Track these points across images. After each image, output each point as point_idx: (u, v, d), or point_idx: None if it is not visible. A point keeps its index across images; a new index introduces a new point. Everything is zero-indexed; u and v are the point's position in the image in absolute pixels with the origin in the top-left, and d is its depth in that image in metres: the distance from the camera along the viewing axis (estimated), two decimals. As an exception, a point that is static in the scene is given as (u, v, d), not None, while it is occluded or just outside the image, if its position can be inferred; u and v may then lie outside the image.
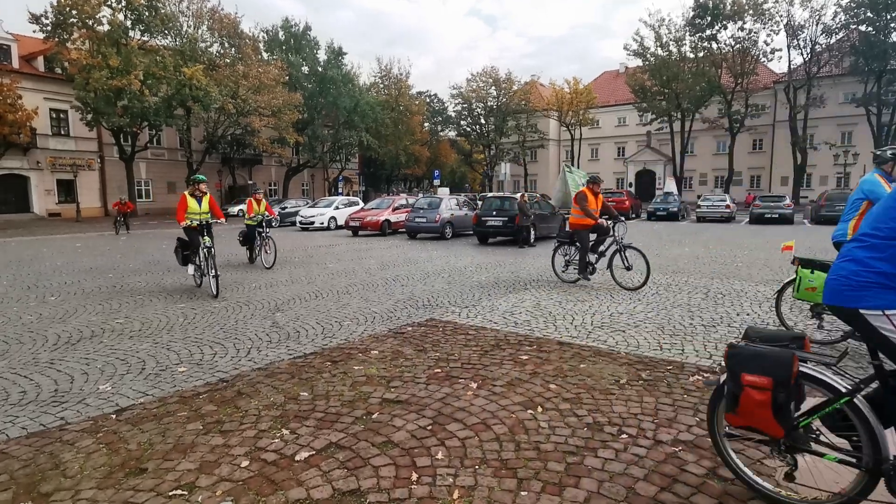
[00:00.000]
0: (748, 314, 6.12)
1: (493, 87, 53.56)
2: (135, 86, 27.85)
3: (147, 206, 36.62)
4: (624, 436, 3.04)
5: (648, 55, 44.81)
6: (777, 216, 22.96)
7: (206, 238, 7.84)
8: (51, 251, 14.33)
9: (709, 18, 41.54)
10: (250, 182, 42.55)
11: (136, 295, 7.79)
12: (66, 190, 33.59)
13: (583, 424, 3.20)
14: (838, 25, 39.13)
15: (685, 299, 7.00)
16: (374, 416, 3.36)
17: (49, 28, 28.28)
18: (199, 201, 8.08)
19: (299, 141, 39.03)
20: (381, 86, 53.41)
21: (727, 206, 25.30)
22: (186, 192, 8.21)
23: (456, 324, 5.83)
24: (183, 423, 3.32)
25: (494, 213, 15.16)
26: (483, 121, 55.77)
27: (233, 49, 35.47)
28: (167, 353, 4.84)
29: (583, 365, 4.30)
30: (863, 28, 38.20)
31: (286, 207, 26.36)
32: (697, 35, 42.78)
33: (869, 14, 37.15)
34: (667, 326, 5.58)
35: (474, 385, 3.87)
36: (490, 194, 20.78)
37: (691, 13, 42.13)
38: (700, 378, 3.97)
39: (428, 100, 62.87)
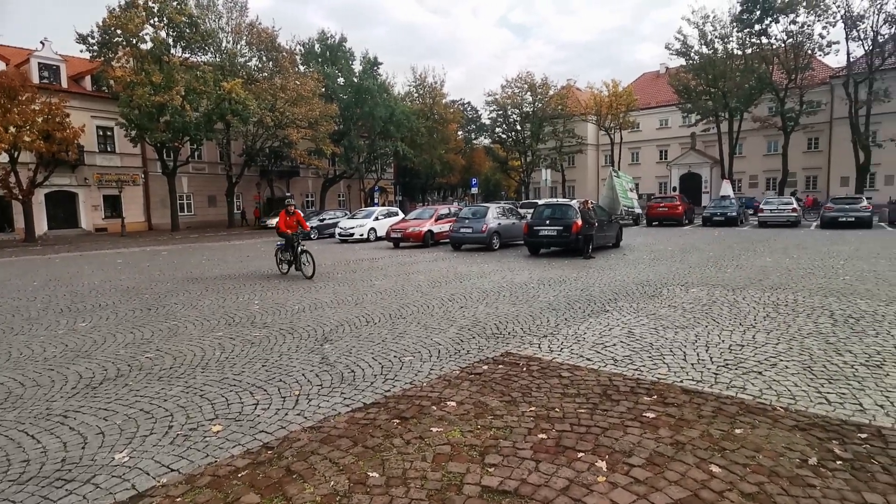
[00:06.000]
0: (909, 347, 4.87)
1: (529, 93, 52.39)
2: (176, 101, 28.11)
3: (188, 220, 37.03)
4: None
5: (692, 54, 42.79)
6: (853, 219, 20.88)
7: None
8: (92, 268, 14.05)
9: (758, 12, 39.27)
10: (288, 194, 42.75)
11: (170, 320, 7.09)
12: (112, 205, 34.28)
13: (803, 551, 2.13)
14: (903, 13, 36.29)
15: (811, 325, 5.76)
16: (477, 521, 2.38)
17: (95, 48, 28.96)
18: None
19: (336, 152, 38.86)
20: (416, 95, 53.04)
21: (793, 210, 23.30)
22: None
23: (541, 360, 4.80)
24: (216, 525, 2.42)
25: (547, 221, 14.04)
26: (519, 127, 54.59)
27: (270, 62, 35.63)
28: (200, 403, 4.00)
29: (738, 430, 3.21)
30: (932, 14, 35.25)
31: (325, 219, 25.85)
32: (746, 30, 40.52)
33: (939, -1, 34.26)
34: (814, 366, 4.40)
35: (602, 464, 2.84)
36: (541, 202, 19.62)
37: (738, 8, 39.93)
38: (918, 455, 2.83)
39: (462, 108, 62.21)
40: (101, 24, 28.27)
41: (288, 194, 42.63)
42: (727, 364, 4.53)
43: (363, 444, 3.19)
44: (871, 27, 36.93)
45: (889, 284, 8.19)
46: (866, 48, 37.51)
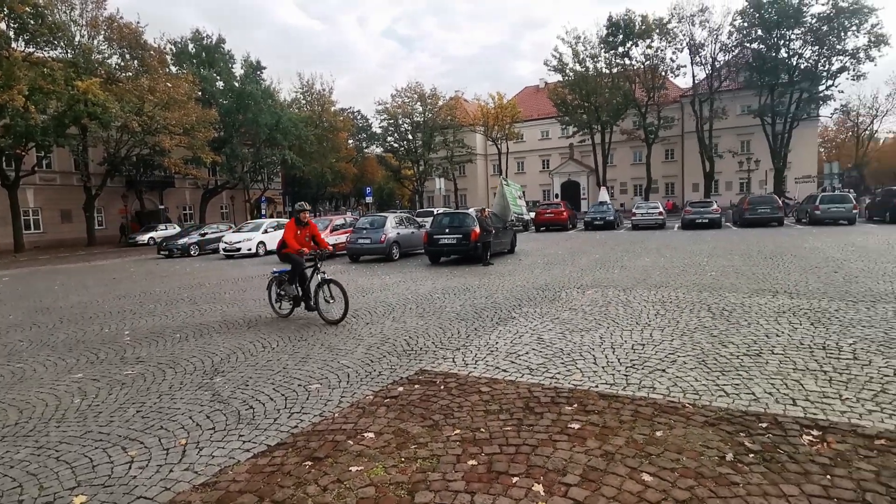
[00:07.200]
0: (777, 334, 5.44)
1: (419, 103, 53.01)
2: (18, 102, 24.09)
3: (36, 238, 31.99)
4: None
5: (567, 70, 46.30)
6: (707, 221, 23.81)
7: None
8: None
9: (621, 36, 43.66)
10: (161, 207, 38.85)
11: (13, 361, 5.86)
12: (-68, 224, 28.54)
13: (744, 557, 2.13)
14: (734, 44, 42.55)
15: (695, 320, 6.26)
16: (416, 577, 2.10)
17: None
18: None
19: (216, 161, 35.99)
20: (304, 102, 51.19)
21: (660, 214, 26.01)
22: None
23: (457, 376, 4.62)
24: None
25: (447, 230, 14.08)
26: (410, 136, 54.95)
27: (135, 61, 32.08)
28: (56, 468, 3.23)
29: (658, 433, 3.27)
30: (755, 46, 41.68)
31: (206, 233, 23.74)
32: (612, 52, 44.79)
33: (759, 33, 40.62)
34: (707, 359, 4.72)
35: (539, 488, 2.70)
36: (440, 210, 19.73)
37: (605, 31, 44.12)
38: (811, 438, 3.07)
39: (352, 116, 61.23)
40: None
41: (161, 206, 38.74)
42: (634, 364, 4.71)
43: (271, 499, 2.74)
44: (710, 54, 42.81)
45: (747, 278, 9.27)
46: (707, 72, 43.36)
